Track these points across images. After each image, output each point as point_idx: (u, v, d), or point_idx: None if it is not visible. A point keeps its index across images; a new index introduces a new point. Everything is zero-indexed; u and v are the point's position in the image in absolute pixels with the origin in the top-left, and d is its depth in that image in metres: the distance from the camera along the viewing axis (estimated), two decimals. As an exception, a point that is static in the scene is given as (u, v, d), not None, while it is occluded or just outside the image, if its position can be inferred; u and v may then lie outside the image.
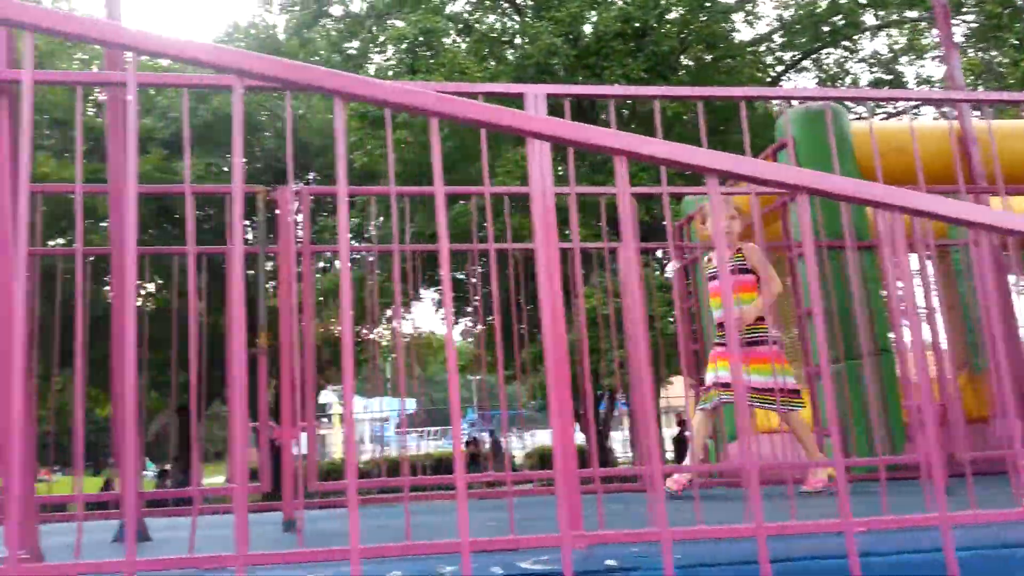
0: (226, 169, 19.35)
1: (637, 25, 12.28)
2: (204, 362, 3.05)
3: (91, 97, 17.47)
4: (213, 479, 25.50)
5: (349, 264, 1.04)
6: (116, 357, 2.66)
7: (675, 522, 2.36)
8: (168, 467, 18.17)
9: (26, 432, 2.00)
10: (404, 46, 12.76)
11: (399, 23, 15.10)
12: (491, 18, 14.77)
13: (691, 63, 14.02)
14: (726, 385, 3.80)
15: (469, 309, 15.99)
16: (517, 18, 14.63)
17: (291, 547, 2.20)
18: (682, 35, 13.19)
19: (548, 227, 2.03)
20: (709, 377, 3.97)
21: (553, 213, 2.05)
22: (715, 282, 4.04)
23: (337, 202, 0.99)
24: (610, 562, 1.83)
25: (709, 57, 14.15)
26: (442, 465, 17.21)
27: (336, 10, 15.95)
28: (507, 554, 2.01)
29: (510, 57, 13.84)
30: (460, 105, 0.98)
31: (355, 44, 15.00)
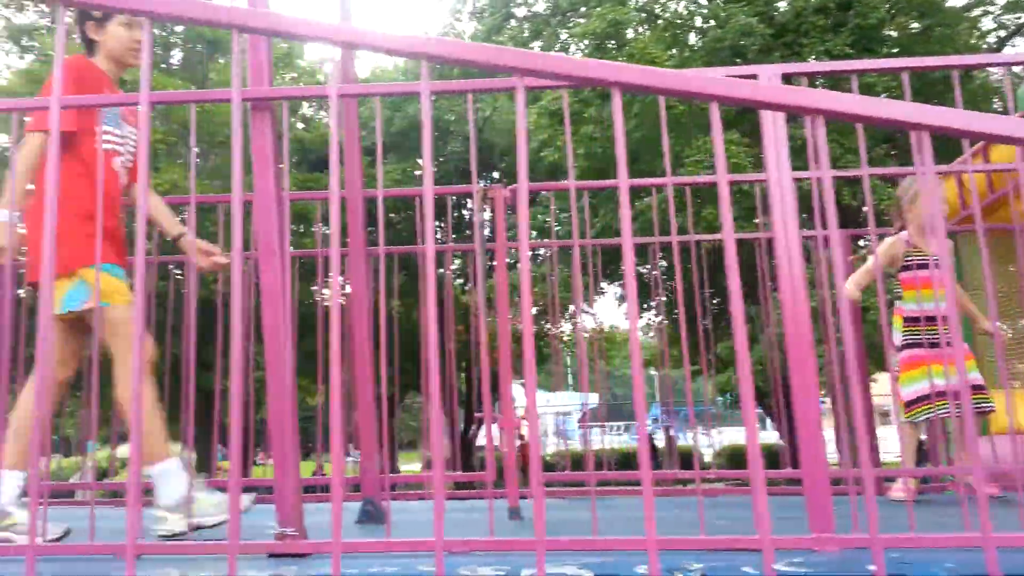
0: (417, 173, 20.37)
1: (840, -2, 11.55)
2: (401, 355, 3.20)
3: (299, 111, 18.97)
4: (407, 467, 26.96)
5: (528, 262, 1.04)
6: (358, 355, 2.87)
7: (901, 528, 2.18)
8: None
9: (295, 424, 2.21)
10: (587, 41, 12.77)
11: (580, 20, 15.13)
12: (674, 5, 14.44)
13: (895, 34, 12.96)
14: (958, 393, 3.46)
15: (653, 303, 15.75)
16: (704, 0, 14.21)
17: (527, 534, 2.26)
18: (888, 5, 12.21)
19: (788, 214, 1.94)
20: (920, 387, 3.56)
21: (793, 198, 1.95)
22: (923, 272, 3.66)
23: (619, 197, 0.99)
24: (872, 567, 1.73)
25: (917, 26, 13.01)
26: (630, 461, 17.03)
27: (520, 11, 16.27)
28: (755, 554, 1.95)
29: (693, 42, 13.49)
30: (747, 88, 0.95)
31: (538, 44, 15.23)
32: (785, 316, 2.00)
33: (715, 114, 0.99)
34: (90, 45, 2.77)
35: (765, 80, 2.13)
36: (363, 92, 2.21)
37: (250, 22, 1.05)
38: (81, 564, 1.99)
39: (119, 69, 2.83)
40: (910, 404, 3.59)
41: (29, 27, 17.19)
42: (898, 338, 3.72)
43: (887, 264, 3.70)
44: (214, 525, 2.45)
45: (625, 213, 0.99)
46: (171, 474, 2.51)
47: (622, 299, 18.64)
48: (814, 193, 2.03)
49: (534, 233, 13.80)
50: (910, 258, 3.65)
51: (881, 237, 4.05)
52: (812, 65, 1.99)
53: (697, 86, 0.95)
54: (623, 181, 0.99)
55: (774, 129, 1.85)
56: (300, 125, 19.09)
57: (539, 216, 12.83)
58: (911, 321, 3.64)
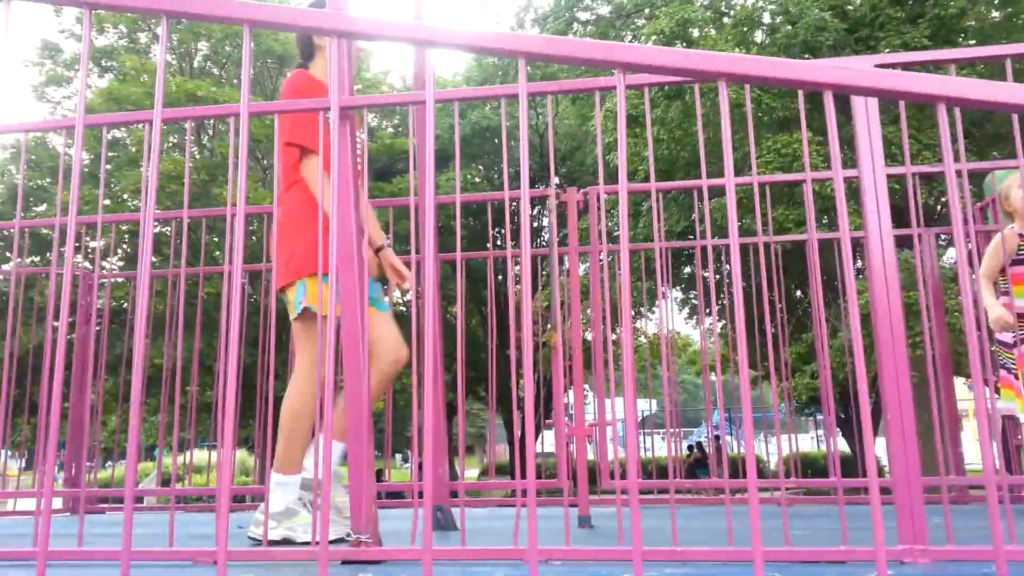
0: (478, 180, 20.48)
1: (918, -11, 11.21)
2: (462, 362, 3.20)
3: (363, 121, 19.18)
4: (467, 473, 27.14)
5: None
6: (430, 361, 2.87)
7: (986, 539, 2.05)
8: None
9: (371, 431, 2.21)
10: (653, 40, 12.62)
11: (642, 22, 14.98)
12: (741, 1, 14.16)
13: (972, 24, 12.48)
14: None
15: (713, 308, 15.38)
16: (774, -4, 13.95)
17: (599, 544, 2.21)
18: (970, -6, 11.77)
19: (882, 211, 1.86)
20: None
21: (886, 198, 1.87)
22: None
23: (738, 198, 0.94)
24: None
25: (997, 16, 12.50)
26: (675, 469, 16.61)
27: (583, 15, 16.24)
28: (839, 566, 1.87)
29: (760, 40, 13.23)
30: (869, 76, 0.89)
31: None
32: (876, 318, 1.91)
33: (829, 103, 0.94)
34: (309, 51, 2.80)
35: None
36: (459, 96, 2.19)
37: (351, 27, 1.04)
38: (159, 570, 2.03)
39: None
40: None
41: (108, 48, 17.93)
42: (1008, 336, 3.55)
43: (1007, 261, 3.53)
44: (303, 543, 2.50)
45: (731, 209, 0.94)
46: (289, 487, 2.59)
47: (684, 303, 18.37)
48: (909, 189, 1.94)
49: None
50: (1022, 251, 3.47)
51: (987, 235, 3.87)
52: (906, 55, 1.89)
53: (817, 75, 0.90)
54: (729, 180, 0.95)
55: (867, 123, 1.77)
56: (363, 135, 19.38)
57: (607, 221, 12.69)
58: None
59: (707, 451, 20.25)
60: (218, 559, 1.29)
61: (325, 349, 2.46)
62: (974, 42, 11.93)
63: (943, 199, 12.30)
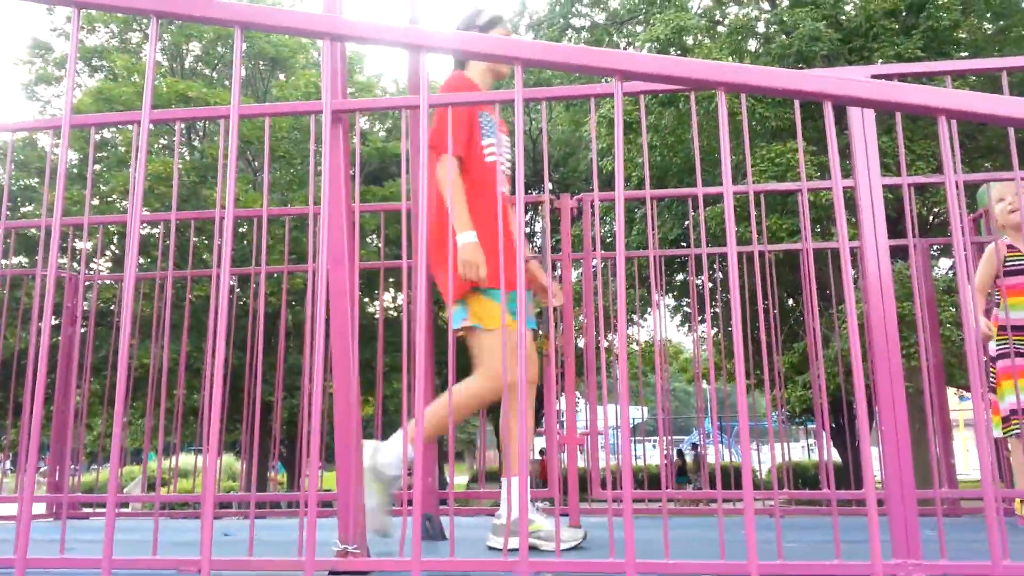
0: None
1: (912, 1, 11.30)
2: (453, 367, 3.16)
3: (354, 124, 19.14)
4: (455, 480, 27.03)
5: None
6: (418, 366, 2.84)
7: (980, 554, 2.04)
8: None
9: (359, 438, 2.17)
10: (647, 47, 12.68)
11: (637, 28, 15.04)
12: (735, 10, 14.24)
13: (965, 36, 12.60)
14: None
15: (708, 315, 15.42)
16: (766, 6, 14.02)
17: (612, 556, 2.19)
18: (963, 7, 11.87)
19: (878, 220, 1.85)
20: (1012, 400, 3.39)
21: (882, 208, 1.86)
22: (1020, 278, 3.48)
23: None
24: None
25: (990, 27, 12.62)
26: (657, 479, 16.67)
27: (577, 22, 16.29)
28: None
29: (754, 48, 13.32)
30: (865, 87, 0.88)
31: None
32: (872, 329, 1.90)
33: (829, 114, 0.92)
34: (463, 57, 2.78)
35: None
36: (451, 102, 2.16)
37: (344, 30, 1.02)
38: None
39: (493, 78, 2.83)
40: (1006, 419, 3.43)
41: (99, 48, 17.85)
42: (992, 348, 3.54)
43: (997, 272, 3.51)
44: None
45: (729, 219, 0.93)
46: (400, 458, 2.54)
47: (676, 310, 18.39)
48: (905, 200, 1.93)
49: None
50: (1010, 262, 3.46)
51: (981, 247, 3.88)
52: (902, 66, 1.87)
53: (818, 85, 0.88)
54: (727, 188, 0.93)
55: (864, 134, 1.75)
56: (355, 138, 19.32)
57: (600, 228, 12.69)
58: (1016, 330, 3.43)
59: (687, 459, 20.24)
60: (202, 568, 1.26)
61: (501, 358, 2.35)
62: (966, 54, 12.03)
63: (936, 209, 12.37)
